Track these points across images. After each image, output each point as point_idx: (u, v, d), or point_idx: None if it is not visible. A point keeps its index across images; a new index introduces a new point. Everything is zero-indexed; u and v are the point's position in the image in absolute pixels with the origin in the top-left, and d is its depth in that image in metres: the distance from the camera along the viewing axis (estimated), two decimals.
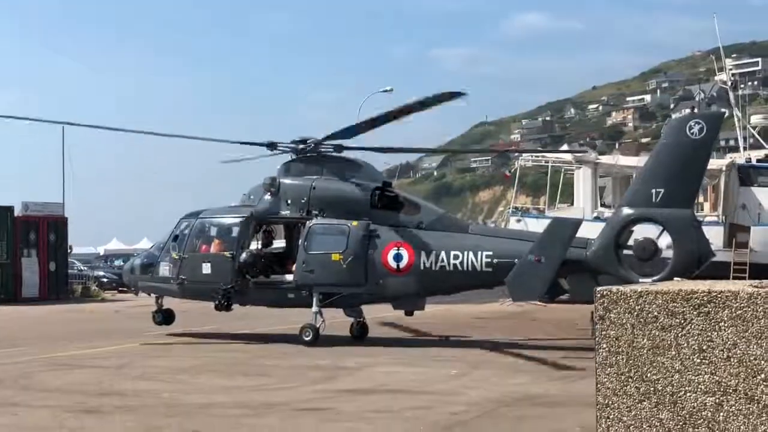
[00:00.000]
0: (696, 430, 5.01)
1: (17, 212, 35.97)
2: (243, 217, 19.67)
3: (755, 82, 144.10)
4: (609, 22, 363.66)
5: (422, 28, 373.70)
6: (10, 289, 34.99)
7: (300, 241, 19.21)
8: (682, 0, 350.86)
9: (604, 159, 35.84)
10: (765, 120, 54.45)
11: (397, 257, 18.40)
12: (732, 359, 4.95)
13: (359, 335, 19.66)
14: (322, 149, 19.90)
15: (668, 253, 17.11)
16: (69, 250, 39.14)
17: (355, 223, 18.71)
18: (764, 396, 4.88)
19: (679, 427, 5.04)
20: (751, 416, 4.91)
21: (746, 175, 33.42)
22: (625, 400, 5.15)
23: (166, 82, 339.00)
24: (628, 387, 5.15)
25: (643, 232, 17.70)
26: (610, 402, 5.19)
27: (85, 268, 47.06)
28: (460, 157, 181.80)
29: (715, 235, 27.52)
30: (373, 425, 10.13)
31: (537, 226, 28.31)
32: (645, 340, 5.12)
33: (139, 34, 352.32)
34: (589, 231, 18.70)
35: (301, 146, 19.89)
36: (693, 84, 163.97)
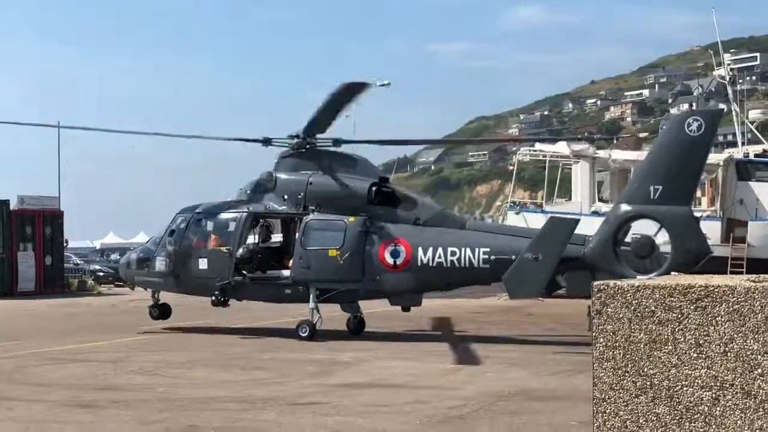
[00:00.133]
0: (693, 424, 4.99)
1: (13, 206, 35.94)
2: (239, 212, 19.64)
3: (753, 77, 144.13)
4: (606, 16, 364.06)
5: (419, 23, 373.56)
6: (6, 283, 34.98)
7: (296, 236, 19.19)
8: None
9: (602, 153, 35.82)
10: (763, 115, 54.58)
11: (394, 253, 18.37)
12: (729, 354, 4.93)
13: (356, 330, 19.65)
14: (319, 144, 19.86)
15: (666, 248, 17.11)
16: (65, 244, 39.11)
17: (351, 218, 18.67)
18: (761, 391, 4.86)
19: (675, 421, 5.02)
20: (747, 411, 4.89)
21: (744, 170, 33.42)
22: (621, 395, 5.13)
23: (166, 81, 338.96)
24: (625, 381, 5.13)
25: (641, 229, 17.69)
26: (607, 396, 5.16)
27: (82, 262, 47.00)
28: (457, 151, 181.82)
29: (712, 230, 27.53)
30: (369, 419, 10.11)
31: (536, 221, 28.31)
32: (642, 334, 5.10)
33: (139, 33, 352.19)
34: (587, 226, 18.68)
35: (297, 141, 19.84)
36: (691, 79, 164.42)
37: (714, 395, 4.95)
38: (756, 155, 34.56)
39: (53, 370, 14.26)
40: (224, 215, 19.98)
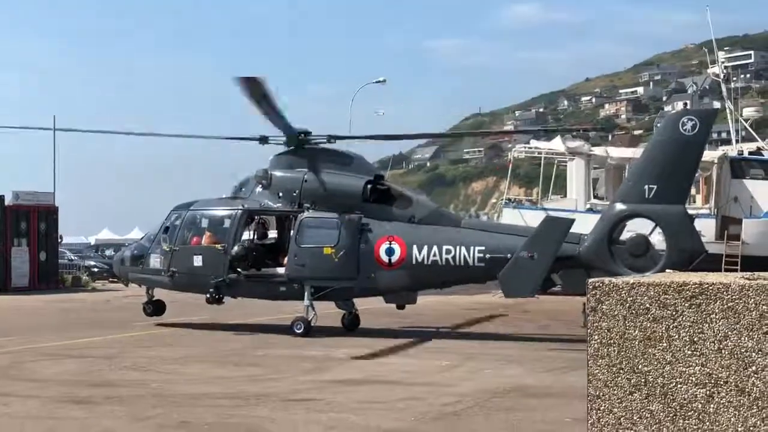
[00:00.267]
0: (686, 421, 5.00)
1: (8, 201, 35.84)
2: (234, 209, 19.61)
3: (747, 75, 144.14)
4: (601, 13, 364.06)
5: (416, 19, 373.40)
6: (0, 279, 34.90)
7: (291, 234, 19.17)
8: None
9: (598, 150, 35.85)
10: (757, 113, 54.56)
11: (389, 251, 18.37)
12: (723, 351, 4.93)
13: (351, 326, 19.66)
14: (314, 140, 19.84)
15: (661, 246, 17.16)
16: (59, 240, 39.03)
17: (346, 216, 18.67)
18: (755, 388, 4.87)
19: (669, 418, 5.02)
20: (741, 408, 4.90)
21: (738, 168, 33.48)
22: (616, 392, 5.14)
23: (166, 77, 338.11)
24: (620, 378, 5.13)
25: (635, 228, 17.73)
26: (601, 393, 5.17)
27: (76, 257, 46.93)
28: (453, 148, 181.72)
29: (707, 228, 27.58)
30: (363, 416, 10.11)
31: (532, 218, 28.34)
32: (637, 331, 5.10)
33: (139, 30, 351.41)
34: (583, 222, 18.71)
35: (293, 138, 19.80)
36: (686, 76, 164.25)
37: (708, 392, 4.96)
38: (750, 153, 34.61)
39: (48, 365, 14.24)
40: (219, 212, 19.96)
